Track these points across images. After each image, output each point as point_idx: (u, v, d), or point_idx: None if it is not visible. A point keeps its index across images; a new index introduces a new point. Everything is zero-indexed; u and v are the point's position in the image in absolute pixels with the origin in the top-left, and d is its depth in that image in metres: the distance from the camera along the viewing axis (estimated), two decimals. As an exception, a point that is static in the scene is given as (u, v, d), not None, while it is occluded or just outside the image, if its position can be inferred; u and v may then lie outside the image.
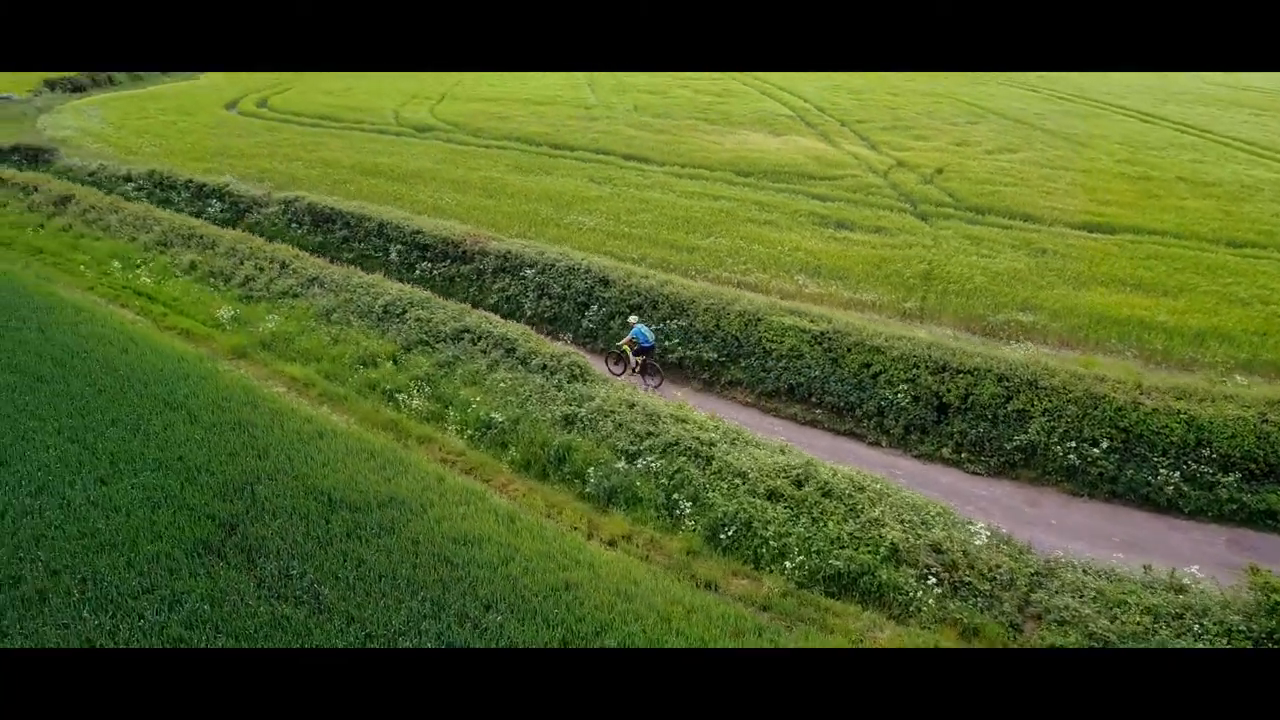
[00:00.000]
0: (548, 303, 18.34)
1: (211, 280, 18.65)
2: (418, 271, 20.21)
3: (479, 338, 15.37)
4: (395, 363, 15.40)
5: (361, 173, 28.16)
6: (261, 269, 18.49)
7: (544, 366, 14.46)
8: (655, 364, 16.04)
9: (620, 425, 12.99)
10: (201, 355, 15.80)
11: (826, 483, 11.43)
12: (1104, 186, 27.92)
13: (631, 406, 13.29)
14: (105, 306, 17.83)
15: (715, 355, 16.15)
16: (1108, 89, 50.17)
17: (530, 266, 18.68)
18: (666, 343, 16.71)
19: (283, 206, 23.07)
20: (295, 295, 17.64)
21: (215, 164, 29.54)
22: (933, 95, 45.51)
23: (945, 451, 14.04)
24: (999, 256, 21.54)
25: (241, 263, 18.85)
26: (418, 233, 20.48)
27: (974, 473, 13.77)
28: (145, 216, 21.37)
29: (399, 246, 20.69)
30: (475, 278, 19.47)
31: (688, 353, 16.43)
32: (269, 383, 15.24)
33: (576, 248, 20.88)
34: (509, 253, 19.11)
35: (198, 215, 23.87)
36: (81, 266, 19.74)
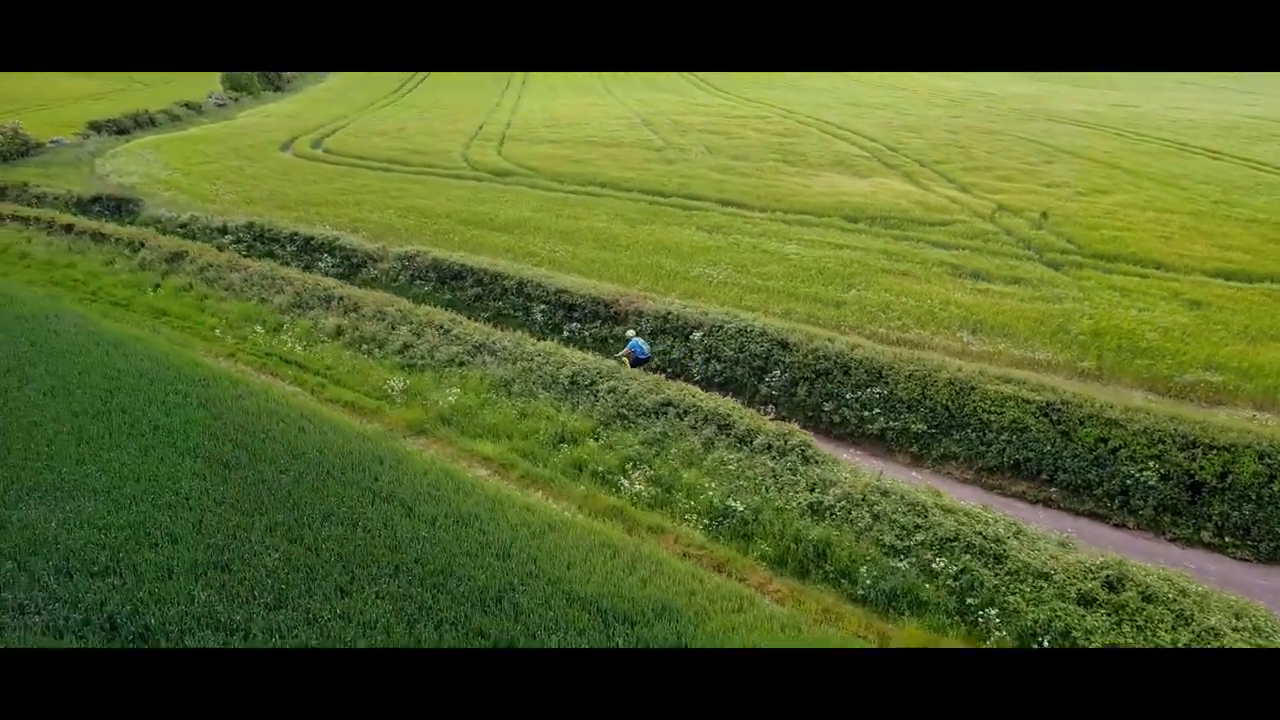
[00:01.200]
0: (718, 366, 17.45)
1: (364, 347, 17.61)
2: (565, 333, 19.28)
3: (685, 412, 14.42)
4: (597, 439, 14.41)
5: (460, 222, 27.30)
6: (419, 334, 17.48)
7: (769, 446, 13.51)
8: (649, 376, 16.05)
9: (879, 516, 12.04)
10: (381, 433, 14.77)
11: (1146, 585, 10.50)
12: (1218, 231, 27.43)
13: (885, 494, 12.35)
14: (256, 376, 16.79)
15: (924, 427, 15.26)
16: (1153, 125, 50.20)
17: (697, 328, 17.80)
18: (864, 412, 15.82)
19: (402, 262, 22.12)
20: (462, 364, 16.65)
21: (303, 213, 28.62)
22: (991, 133, 45.28)
23: (1205, 535, 13.15)
24: (1155, 309, 20.85)
25: (394, 327, 17.83)
26: (563, 291, 19.57)
27: (1242, 559, 12.88)
28: (273, 275, 20.33)
29: (542, 306, 19.76)
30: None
31: (890, 424, 15.53)
32: (462, 463, 14.22)
33: (714, 302, 20.08)
34: (669, 313, 18.22)
35: (305, 270, 22.89)
36: (216, 330, 18.68)
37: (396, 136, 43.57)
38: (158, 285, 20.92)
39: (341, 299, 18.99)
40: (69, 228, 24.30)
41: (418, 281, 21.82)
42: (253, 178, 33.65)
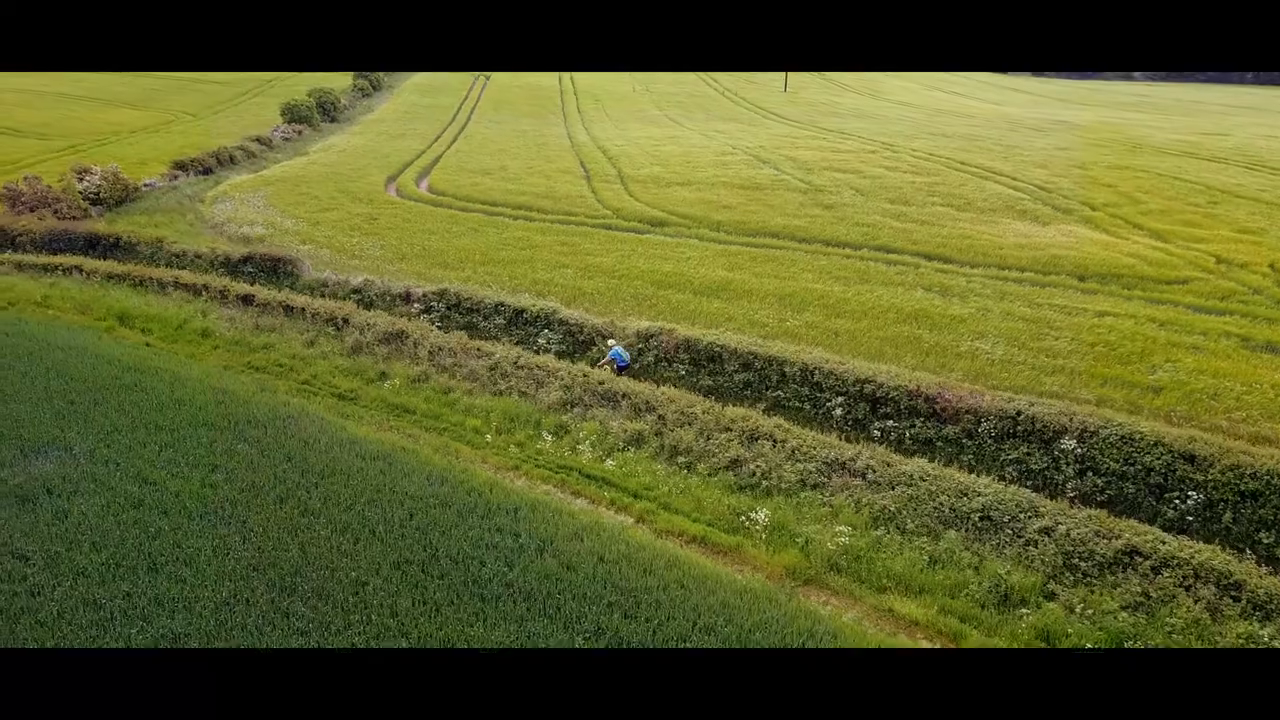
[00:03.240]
0: (1096, 481, 14.85)
1: (679, 459, 14.89)
2: (873, 431, 16.67)
3: (1161, 565, 11.79)
4: (1051, 599, 11.75)
5: (655, 284, 24.72)
6: (746, 444, 14.80)
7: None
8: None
9: None
10: (768, 587, 12.04)
11: None
12: None
13: None
14: (570, 500, 14.09)
15: None
16: (1262, 154, 48.33)
17: (1062, 434, 15.22)
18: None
19: (644, 340, 19.47)
20: (815, 486, 13.99)
21: (472, 273, 25.97)
22: (1131, 169, 43.21)
23: None
24: None
25: (707, 435, 15.16)
26: (866, 381, 16.97)
27: None
28: (530, 365, 17.55)
29: (840, 398, 17.15)
30: (967, 443, 15.96)
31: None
32: (885, 626, 11.56)
33: (1006, 386, 17.65)
34: (1018, 414, 15.65)
35: (520, 347, 20.22)
36: (486, 436, 15.95)
37: (503, 176, 40.99)
38: (383, 374, 18.14)
39: (627, 396, 16.30)
40: (248, 299, 21.50)
41: (663, 364, 19.17)
42: (388, 227, 30.95)
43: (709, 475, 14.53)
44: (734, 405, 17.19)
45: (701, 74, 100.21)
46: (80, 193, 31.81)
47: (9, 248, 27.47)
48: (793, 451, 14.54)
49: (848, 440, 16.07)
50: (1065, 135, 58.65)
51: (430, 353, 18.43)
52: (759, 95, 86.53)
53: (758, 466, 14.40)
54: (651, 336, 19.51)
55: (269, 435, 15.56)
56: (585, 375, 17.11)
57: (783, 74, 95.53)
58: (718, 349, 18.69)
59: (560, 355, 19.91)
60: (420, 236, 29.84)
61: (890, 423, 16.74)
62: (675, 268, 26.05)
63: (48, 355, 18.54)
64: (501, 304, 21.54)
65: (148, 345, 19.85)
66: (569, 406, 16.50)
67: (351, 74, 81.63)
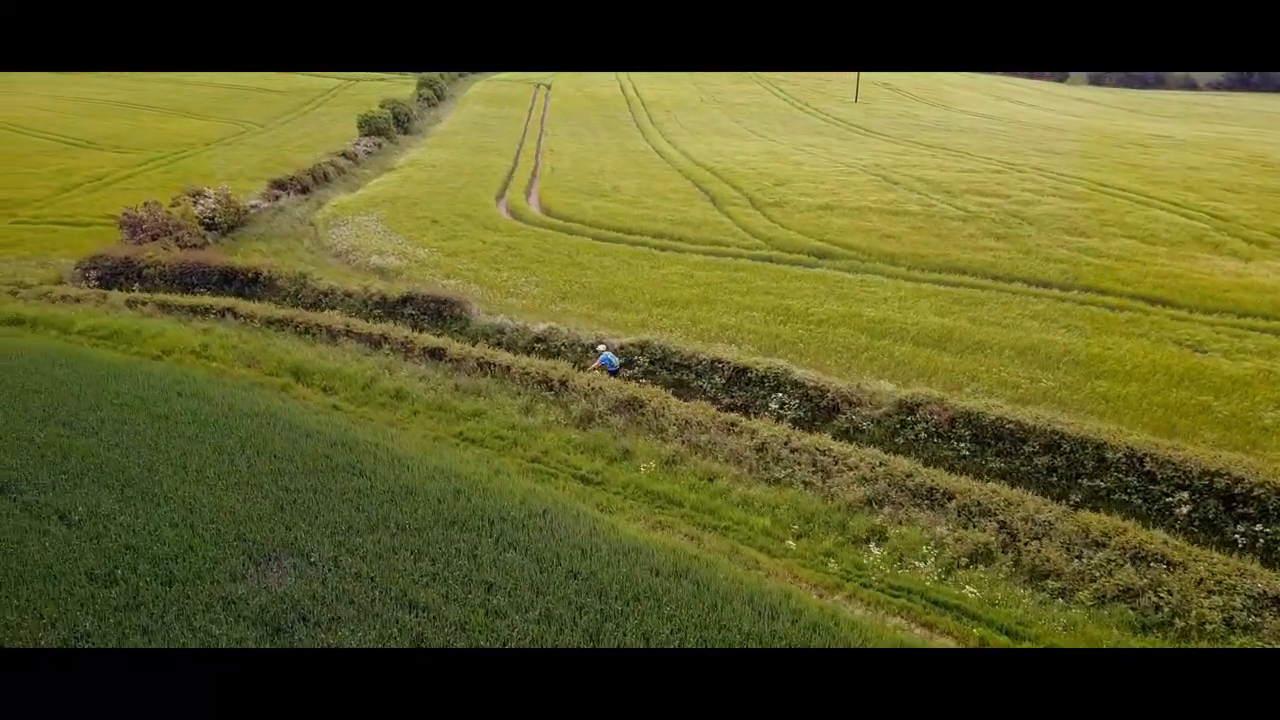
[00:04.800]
0: None
1: (1045, 585, 12.18)
2: (1229, 535, 13.93)
3: None
4: None
5: (864, 332, 22.11)
6: (1134, 567, 12.11)
7: None
8: None
9: None
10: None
11: None
12: None
13: None
14: (924, 635, 11.46)
15: None
16: None
17: None
18: None
19: (906, 411, 16.82)
20: (1246, 628, 11.28)
21: (649, 315, 23.49)
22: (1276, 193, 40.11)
23: None
24: None
25: (1076, 551, 12.48)
26: (1216, 474, 14.25)
27: None
28: (813, 449, 14.90)
29: (1183, 492, 14.43)
30: (1368, 557, 13.21)
31: None
32: None
33: None
34: None
35: (739, 410, 17.68)
36: (785, 541, 13.34)
37: (619, 198, 38.50)
38: (626, 452, 15.58)
39: (947, 494, 13.64)
40: (437, 353, 19.01)
41: (934, 440, 16.51)
42: (534, 259, 28.50)
43: (1094, 606, 11.83)
44: (1036, 495, 14.56)
45: (765, 82, 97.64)
46: (196, 217, 29.59)
47: (135, 281, 25.22)
48: (1199, 581, 11.82)
49: (1194, 543, 13.41)
50: (1181, 152, 55.52)
51: (679, 427, 15.85)
52: (829, 105, 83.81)
53: (1161, 598, 11.70)
54: (916, 407, 16.85)
55: (534, 539, 13.03)
56: (883, 463, 14.46)
57: (852, 83, 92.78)
58: (1008, 425, 16.00)
59: (797, 424, 17.31)
60: (571, 270, 27.36)
61: (1258, 526, 13.98)
62: (877, 311, 23.41)
63: (237, 424, 16.12)
64: (718, 360, 18.96)
65: (335, 409, 17.41)
66: (875, 505, 13.87)
67: (415, 83, 79.68)
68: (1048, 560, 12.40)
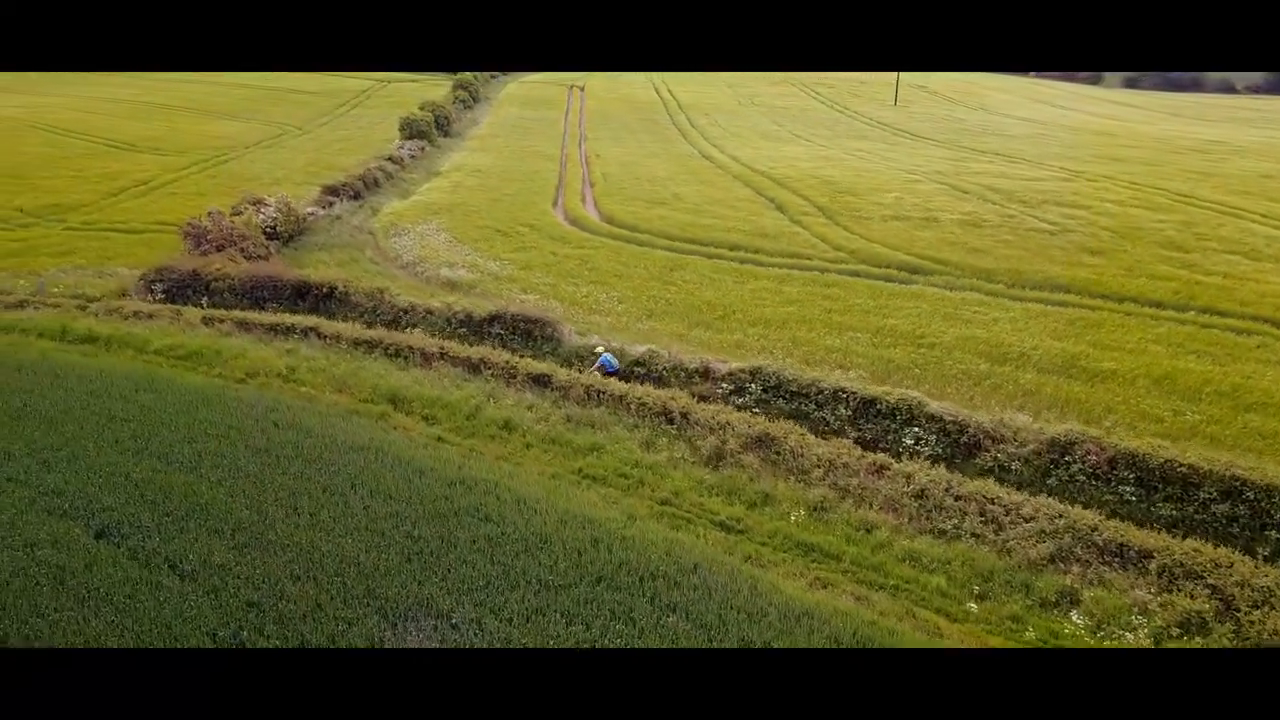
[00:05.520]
0: None
1: (1277, 658, 10.94)
2: None
3: None
4: None
5: (981, 356, 20.83)
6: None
7: None
8: None
9: None
10: None
11: None
12: None
13: None
14: None
15: None
16: None
17: None
18: None
19: (1058, 451, 15.51)
20: None
21: (742, 336, 22.30)
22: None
23: None
24: None
25: (1302, 621, 11.20)
26: None
27: None
28: (980, 497, 13.65)
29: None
30: None
31: None
32: None
33: None
34: None
35: (867, 445, 16.43)
36: (966, 605, 12.05)
37: (681, 206, 37.28)
38: (766, 496, 14.34)
39: (1146, 553, 12.33)
40: (543, 379, 17.84)
41: (1094, 483, 15.19)
42: (612, 274, 27.32)
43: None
44: (1213, 545, 13.23)
45: (801, 84, 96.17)
46: (259, 226, 28.58)
47: (204, 294, 24.20)
48: None
49: None
50: (1245, 159, 53.78)
51: (824, 469, 14.61)
52: (869, 108, 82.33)
53: None
54: (1070, 445, 15.53)
55: (691, 599, 11.85)
56: (1062, 514, 13.17)
57: (889, 85, 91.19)
58: (1180, 470, 14.67)
59: (935, 461, 16.03)
60: (652, 286, 26.16)
61: None
62: (988, 333, 22.09)
63: (342, 460, 15.01)
64: (841, 389, 17.70)
65: (441, 440, 16.27)
66: (1060, 562, 12.57)
67: (451, 84, 78.81)
68: (1277, 632, 11.08)
